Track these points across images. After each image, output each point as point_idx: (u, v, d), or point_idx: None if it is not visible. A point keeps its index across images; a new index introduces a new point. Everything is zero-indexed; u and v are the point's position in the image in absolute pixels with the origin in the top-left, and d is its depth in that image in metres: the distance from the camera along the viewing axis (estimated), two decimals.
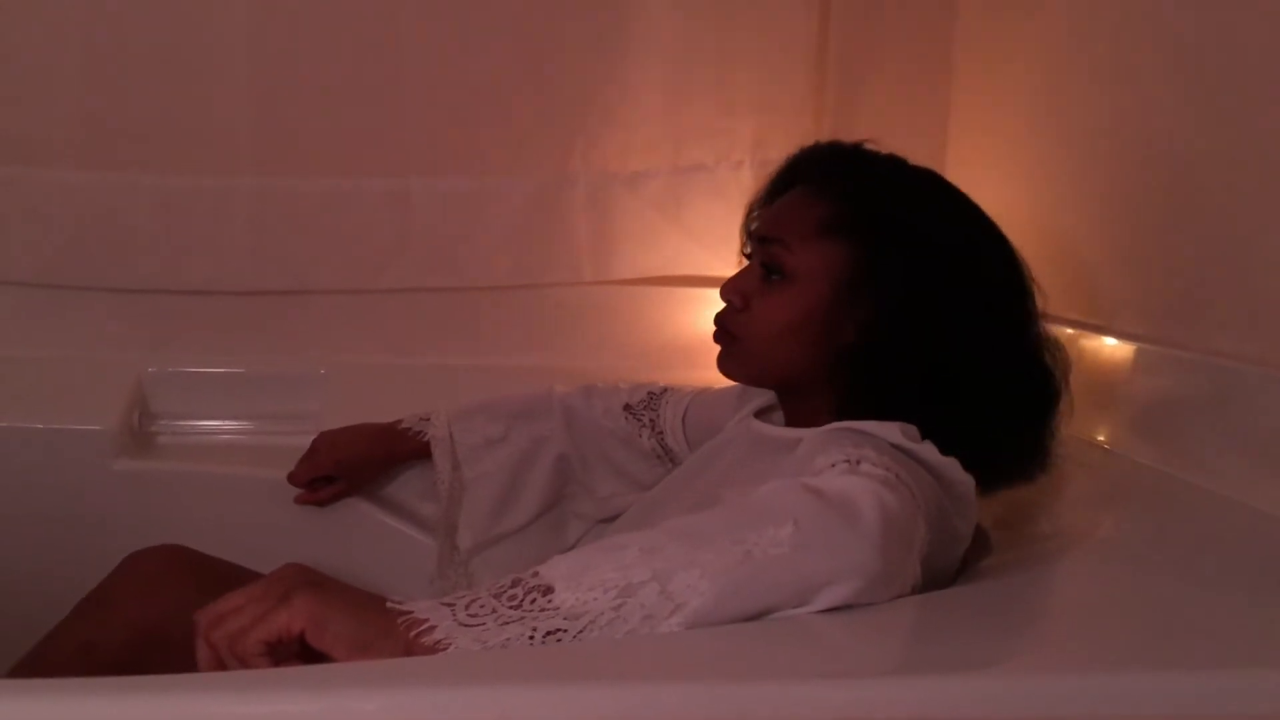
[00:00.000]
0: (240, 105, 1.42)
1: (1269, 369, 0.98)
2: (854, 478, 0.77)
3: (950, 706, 0.64)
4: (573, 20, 1.48)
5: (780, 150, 1.08)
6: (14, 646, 1.03)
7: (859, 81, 1.56)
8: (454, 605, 0.69)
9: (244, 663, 0.68)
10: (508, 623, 0.67)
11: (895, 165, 1.00)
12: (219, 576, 1.04)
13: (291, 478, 1.26)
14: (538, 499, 1.25)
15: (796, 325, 0.95)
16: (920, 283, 0.92)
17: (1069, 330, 1.19)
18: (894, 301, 0.92)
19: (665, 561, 0.70)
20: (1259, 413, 0.98)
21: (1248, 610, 0.78)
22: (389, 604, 0.69)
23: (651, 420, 1.21)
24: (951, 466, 0.87)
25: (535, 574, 0.70)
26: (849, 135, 1.05)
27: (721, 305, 1.01)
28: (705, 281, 1.51)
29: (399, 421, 1.26)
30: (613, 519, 1.19)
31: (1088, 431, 1.15)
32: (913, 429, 0.88)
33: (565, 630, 0.67)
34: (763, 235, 0.99)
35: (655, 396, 1.23)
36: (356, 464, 1.27)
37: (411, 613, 0.68)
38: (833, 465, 0.81)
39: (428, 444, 1.25)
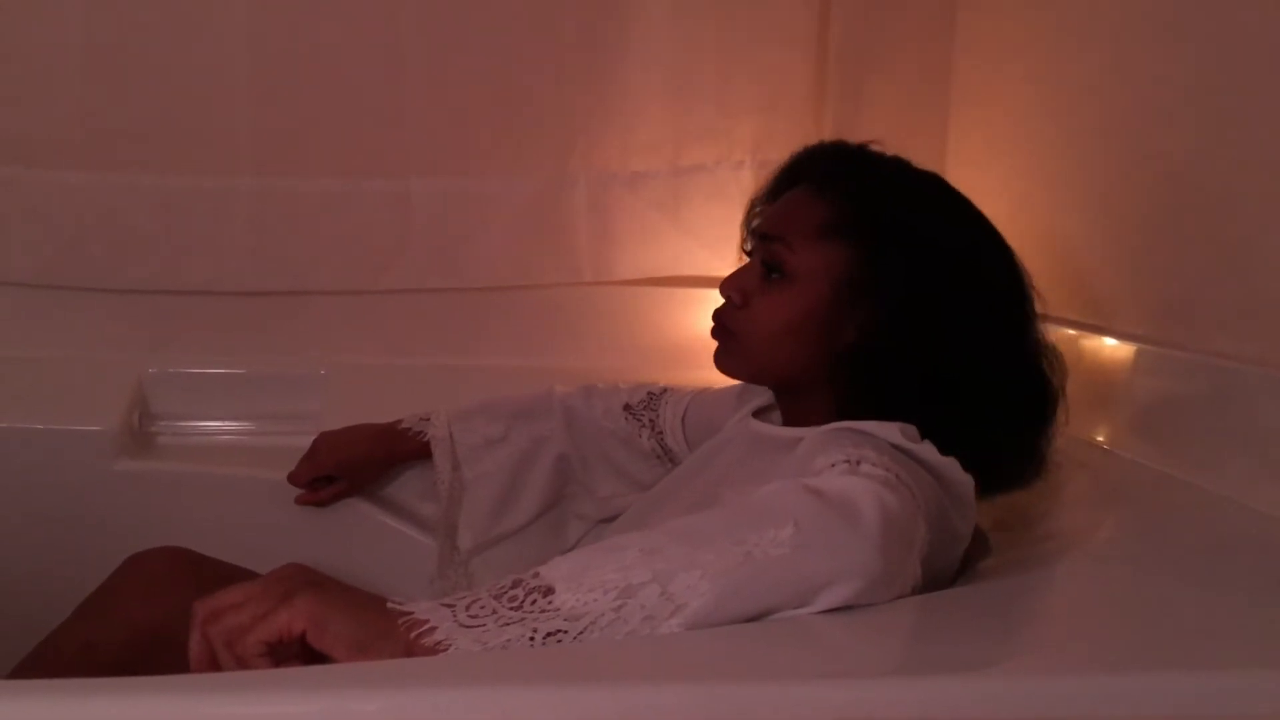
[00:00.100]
0: (240, 105, 1.42)
1: (1269, 369, 0.98)
2: (854, 478, 0.77)
3: (950, 707, 0.64)
4: (573, 21, 1.48)
5: (780, 150, 1.08)
6: (15, 647, 1.03)
7: (859, 82, 1.56)
8: (454, 606, 0.69)
9: (241, 661, 0.68)
10: (508, 624, 0.67)
11: (899, 167, 1.00)
12: (220, 577, 1.04)
13: (292, 478, 1.26)
14: (538, 499, 1.25)
15: (795, 325, 0.96)
16: (921, 285, 0.92)
17: (1069, 331, 1.19)
18: (894, 304, 0.92)
19: (666, 562, 0.70)
20: (1259, 413, 0.98)
21: (1248, 610, 0.78)
22: (389, 605, 0.69)
23: (651, 420, 1.21)
24: (951, 466, 0.87)
25: (536, 575, 0.70)
26: (849, 136, 1.05)
27: (721, 302, 1.01)
28: (705, 282, 1.51)
29: (399, 422, 1.27)
30: (613, 519, 1.19)
31: (1087, 431, 1.15)
32: (912, 429, 0.88)
33: (566, 631, 0.67)
34: (764, 233, 0.99)
35: (655, 397, 1.23)
36: (357, 464, 1.27)
37: (412, 614, 0.68)
38: (833, 465, 0.81)
39: (428, 444, 1.25)
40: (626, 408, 1.22)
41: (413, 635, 0.67)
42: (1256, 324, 1.01)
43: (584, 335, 1.54)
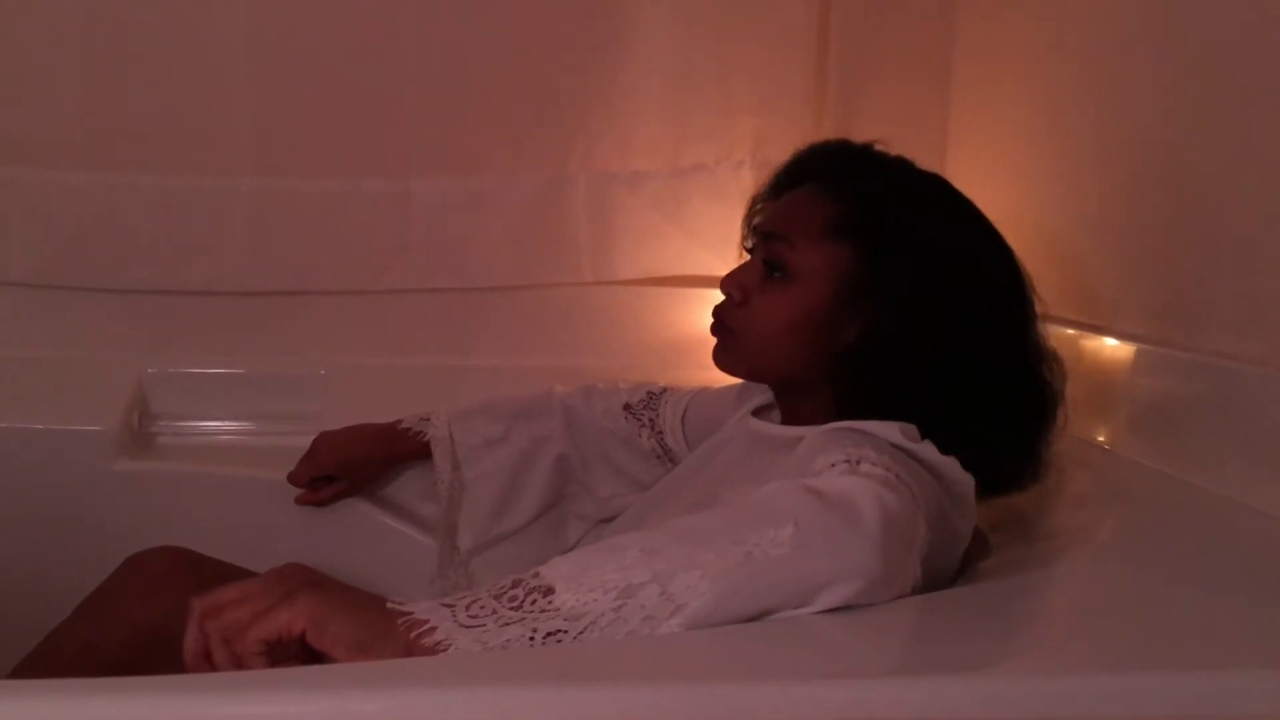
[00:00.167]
0: (240, 105, 1.42)
1: (1269, 369, 0.98)
2: (854, 478, 0.77)
3: (950, 707, 0.64)
4: (573, 21, 1.48)
5: (780, 150, 1.08)
6: (15, 647, 1.03)
7: (859, 82, 1.56)
8: (454, 606, 0.69)
9: (238, 659, 0.68)
10: (508, 624, 0.67)
11: (903, 168, 1.00)
12: (220, 578, 1.03)
13: (292, 478, 1.26)
14: (538, 499, 1.25)
15: (795, 324, 0.95)
16: (923, 287, 0.92)
17: (1069, 330, 1.19)
18: (896, 305, 0.92)
19: (666, 562, 0.70)
20: (1259, 413, 0.98)
21: (1248, 610, 0.78)
22: (389, 605, 0.69)
23: (651, 420, 1.21)
24: (951, 466, 0.87)
25: (536, 575, 0.70)
26: (848, 136, 1.05)
27: (722, 299, 1.01)
28: (705, 281, 1.51)
29: (399, 422, 1.27)
30: (613, 519, 1.19)
31: (1088, 432, 1.15)
32: (912, 429, 0.88)
33: (566, 631, 0.67)
34: (767, 231, 0.99)
35: (655, 396, 1.23)
36: (357, 464, 1.27)
37: (412, 614, 0.68)
38: (833, 465, 0.81)
39: (428, 444, 1.25)
40: (626, 407, 1.22)
41: (413, 635, 0.67)
42: (1257, 324, 1.01)
43: (584, 335, 1.54)
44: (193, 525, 1.21)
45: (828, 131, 1.49)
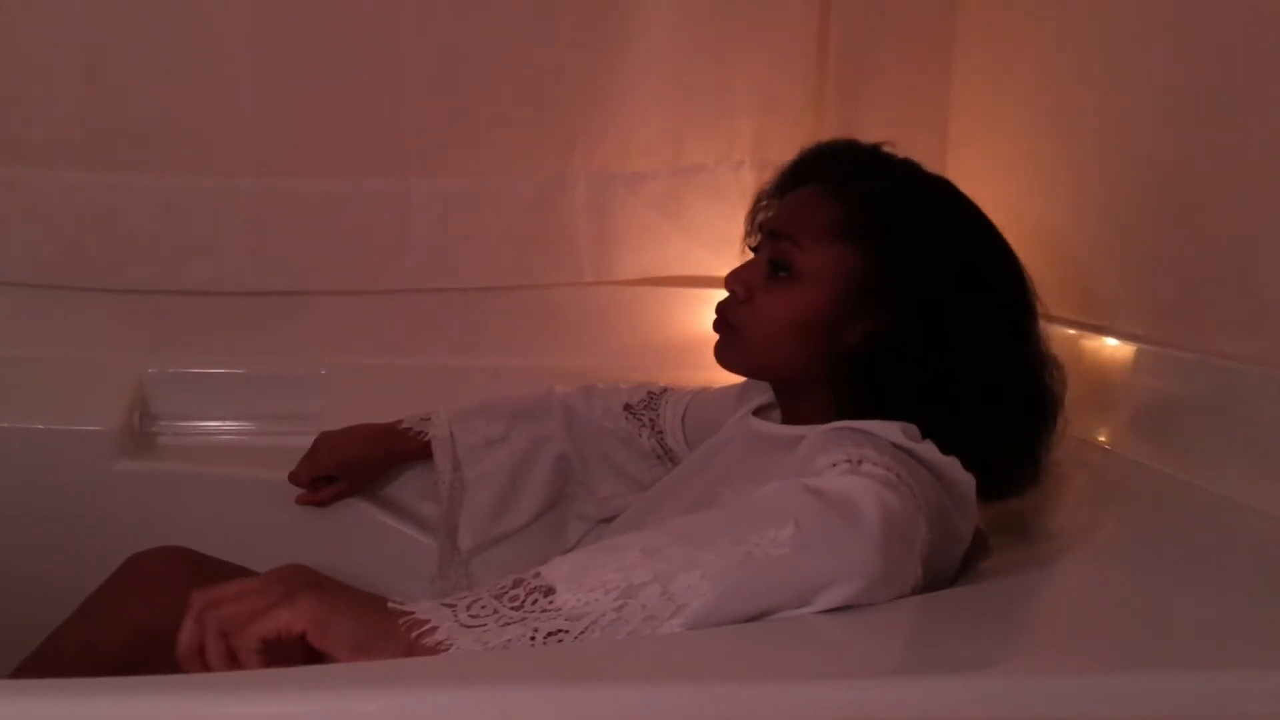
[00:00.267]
0: (240, 105, 1.42)
1: (1269, 369, 0.98)
2: (855, 478, 0.77)
3: (951, 707, 0.64)
4: (573, 20, 1.48)
5: (780, 150, 1.08)
6: (15, 647, 1.03)
7: (859, 81, 1.56)
8: (455, 606, 0.69)
9: (234, 654, 0.68)
10: (509, 624, 0.67)
11: (910, 171, 1.00)
12: (220, 578, 1.02)
13: (293, 477, 1.26)
14: (538, 499, 1.25)
15: (798, 324, 0.95)
16: (928, 290, 0.92)
17: (1069, 330, 1.20)
18: (901, 307, 0.92)
19: (666, 562, 0.70)
20: (1259, 413, 0.98)
21: (1248, 610, 0.78)
22: (390, 605, 0.69)
23: (651, 420, 1.21)
24: (952, 466, 0.87)
25: (537, 575, 0.70)
26: (849, 135, 1.05)
27: (725, 295, 1.01)
28: (706, 282, 1.51)
29: (399, 422, 1.27)
30: (613, 519, 1.19)
31: (1088, 431, 1.15)
32: (913, 429, 0.88)
33: (567, 631, 0.67)
34: (773, 229, 0.99)
35: (655, 396, 1.23)
36: (358, 464, 1.27)
37: (413, 614, 0.68)
38: (834, 465, 0.81)
39: (428, 444, 1.25)
40: (627, 407, 1.22)
41: (414, 635, 0.67)
42: (1257, 324, 1.01)
43: (584, 335, 1.54)
44: (193, 525, 1.22)
45: (828, 132, 1.50)
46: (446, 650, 0.66)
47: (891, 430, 0.87)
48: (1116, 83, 1.22)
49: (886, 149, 1.01)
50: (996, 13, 1.47)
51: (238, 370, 1.45)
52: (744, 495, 0.80)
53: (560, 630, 0.67)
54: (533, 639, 0.67)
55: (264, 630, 0.67)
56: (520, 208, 1.51)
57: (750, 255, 1.04)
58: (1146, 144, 1.17)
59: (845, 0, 1.54)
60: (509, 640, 0.67)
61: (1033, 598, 0.85)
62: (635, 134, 1.52)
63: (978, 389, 0.92)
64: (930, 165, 1.02)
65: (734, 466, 1.00)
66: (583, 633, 0.67)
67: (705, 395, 1.19)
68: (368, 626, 0.68)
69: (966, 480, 0.88)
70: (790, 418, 1.01)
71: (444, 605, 0.69)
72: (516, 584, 0.70)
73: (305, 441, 1.27)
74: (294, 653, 0.68)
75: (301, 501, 1.27)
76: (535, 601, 0.68)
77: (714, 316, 1.01)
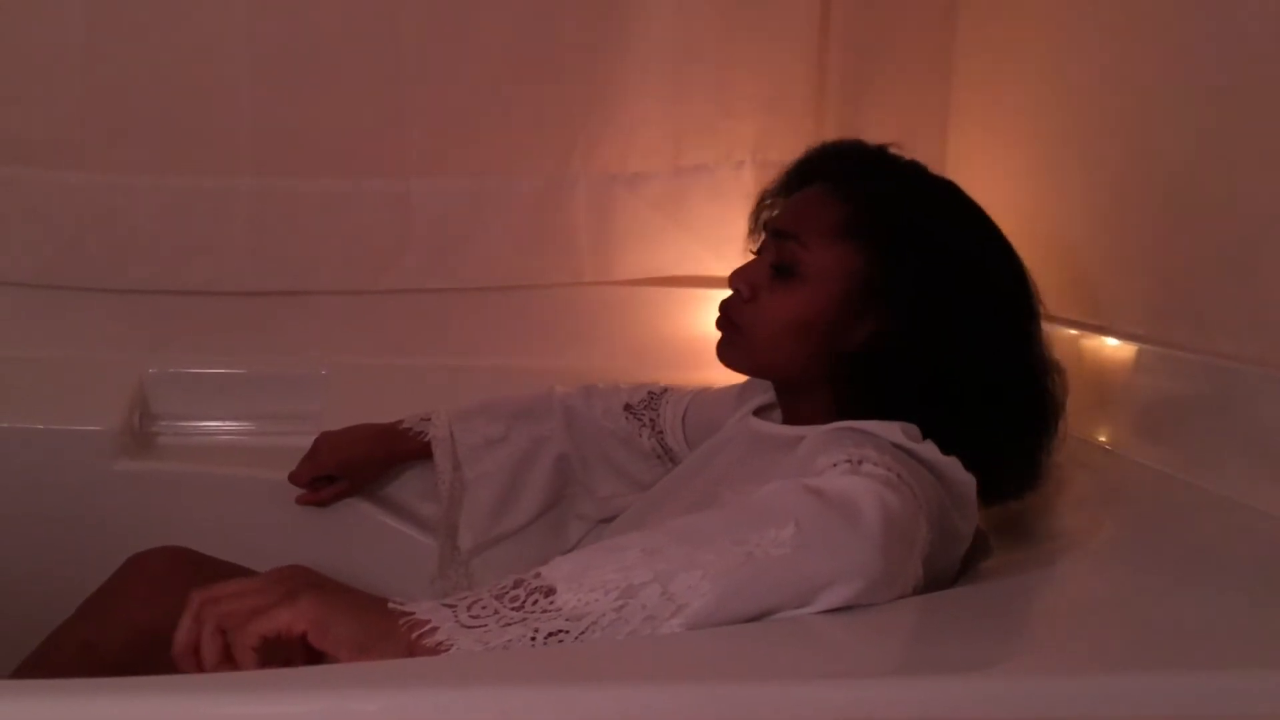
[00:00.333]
0: (240, 105, 1.42)
1: (1269, 369, 0.98)
2: (855, 478, 0.77)
3: (951, 707, 0.64)
4: (573, 20, 1.48)
5: (780, 150, 1.09)
6: (16, 647, 1.03)
7: (860, 81, 1.56)
8: (455, 606, 0.69)
9: (232, 653, 0.68)
10: (509, 624, 0.67)
11: (916, 172, 1.00)
12: (221, 577, 1.03)
13: (293, 477, 1.26)
14: (538, 499, 1.25)
15: (802, 324, 0.95)
16: (933, 292, 0.92)
17: (1070, 330, 1.20)
18: (905, 309, 0.92)
19: (667, 562, 0.70)
20: (1259, 413, 0.98)
21: (1248, 610, 0.78)
22: (390, 605, 0.69)
23: (651, 420, 1.21)
24: (953, 466, 0.87)
25: (537, 575, 0.70)
26: (850, 135, 1.05)
27: (729, 293, 1.01)
28: (705, 281, 1.51)
29: (400, 422, 1.27)
30: (613, 519, 1.19)
31: (1089, 432, 1.15)
32: (914, 429, 0.88)
33: (567, 631, 0.67)
34: (779, 229, 0.99)
35: (655, 396, 1.23)
36: (358, 464, 1.27)
37: (413, 614, 0.68)
38: (834, 465, 0.81)
39: (428, 444, 1.25)
40: (627, 407, 1.22)
41: (414, 636, 0.67)
42: (1257, 324, 1.01)
43: (584, 335, 1.54)
44: (193, 525, 1.21)
45: (829, 132, 1.50)
46: (447, 651, 0.66)
47: (892, 430, 0.87)
48: (1117, 83, 1.22)
49: (893, 150, 1.01)
50: (996, 13, 1.47)
51: (238, 370, 1.45)
52: (744, 495, 0.80)
53: (561, 630, 0.67)
54: (533, 639, 0.67)
55: (264, 628, 0.67)
56: (520, 208, 1.51)
57: (753, 254, 1.04)
58: (1147, 144, 1.17)
59: (846, 1, 1.54)
60: (509, 640, 0.67)
61: (1033, 598, 0.85)
62: (635, 134, 1.52)
63: (979, 390, 0.92)
64: (930, 166, 1.02)
65: (734, 466, 1.00)
66: (583, 633, 0.67)
67: (705, 395, 1.19)
68: (368, 627, 0.68)
69: (967, 480, 0.88)
70: (791, 418, 1.01)
71: (444, 606, 0.69)
72: (517, 584, 0.70)
73: (305, 441, 1.27)
74: (291, 654, 0.68)
75: (301, 501, 1.27)
76: (536, 602, 0.68)
77: (716, 316, 1.01)
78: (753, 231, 1.07)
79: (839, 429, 0.89)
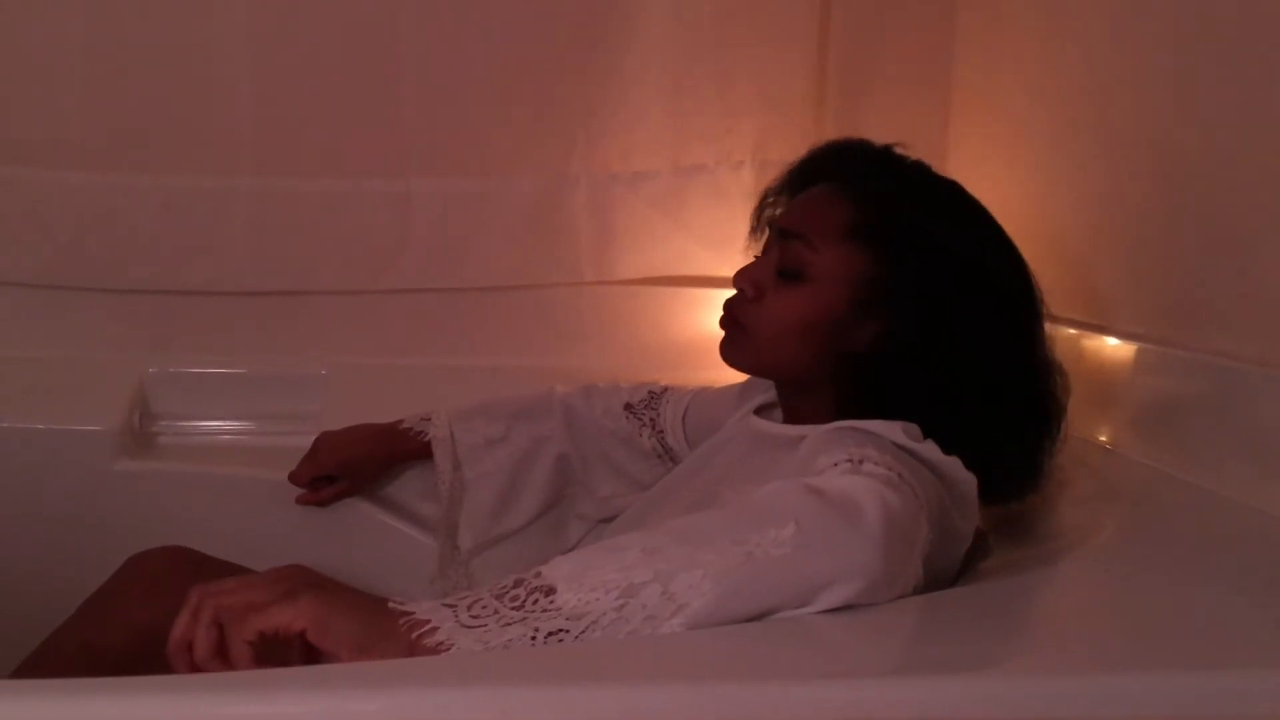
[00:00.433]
0: (240, 105, 1.42)
1: (1269, 369, 0.98)
2: (856, 477, 0.77)
3: (951, 707, 0.64)
4: (573, 21, 1.48)
5: (781, 150, 1.09)
6: (16, 647, 1.03)
7: (860, 81, 1.56)
8: (456, 606, 0.69)
9: (227, 647, 0.67)
10: (510, 624, 0.67)
11: (921, 173, 1.00)
12: (221, 577, 1.04)
13: (293, 477, 1.26)
14: (538, 499, 1.25)
15: (808, 324, 0.95)
16: (939, 294, 0.92)
17: (1070, 330, 1.19)
18: (911, 310, 0.92)
19: (667, 562, 0.70)
20: (1259, 413, 0.98)
21: (1248, 610, 0.78)
22: (390, 605, 0.69)
23: (652, 419, 1.21)
24: (954, 465, 0.87)
25: (538, 574, 0.70)
26: (850, 135, 1.05)
27: (731, 294, 1.00)
28: (706, 281, 1.51)
29: (400, 422, 1.27)
30: (613, 519, 1.19)
31: (1089, 431, 1.15)
32: (914, 428, 0.88)
33: (567, 631, 0.67)
34: (785, 229, 0.98)
35: (656, 396, 1.23)
36: (358, 464, 1.27)
37: (413, 614, 0.68)
38: (835, 465, 0.81)
39: (429, 444, 1.25)
40: (627, 407, 1.22)
41: (414, 635, 0.67)
42: (1258, 323, 1.01)
43: (584, 335, 1.54)
44: (193, 525, 1.22)
45: (829, 132, 1.49)
46: (447, 650, 0.66)
47: (893, 430, 0.86)
48: (1116, 82, 1.22)
49: (898, 150, 1.01)
50: (997, 13, 1.47)
51: (238, 370, 1.45)
52: (745, 495, 0.80)
53: (561, 630, 0.67)
54: (533, 639, 0.67)
55: (262, 624, 0.67)
56: (520, 208, 1.51)
57: (754, 252, 1.04)
58: (1147, 143, 1.17)
59: (846, 1, 1.54)
60: (510, 640, 0.67)
61: (1033, 598, 0.85)
62: (635, 134, 1.52)
63: (982, 391, 0.92)
64: (931, 166, 1.02)
65: (735, 466, 1.00)
66: (583, 632, 0.67)
67: (706, 395, 1.19)
68: (369, 627, 0.68)
69: (968, 480, 0.88)
70: (792, 417, 1.01)
71: (445, 605, 0.69)
72: (517, 584, 0.70)
73: (305, 441, 1.27)
74: (288, 654, 0.68)
75: (301, 501, 1.27)
76: (536, 601, 0.68)
77: (716, 316, 1.01)
78: (755, 230, 1.07)
79: (840, 428, 0.89)
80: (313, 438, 1.26)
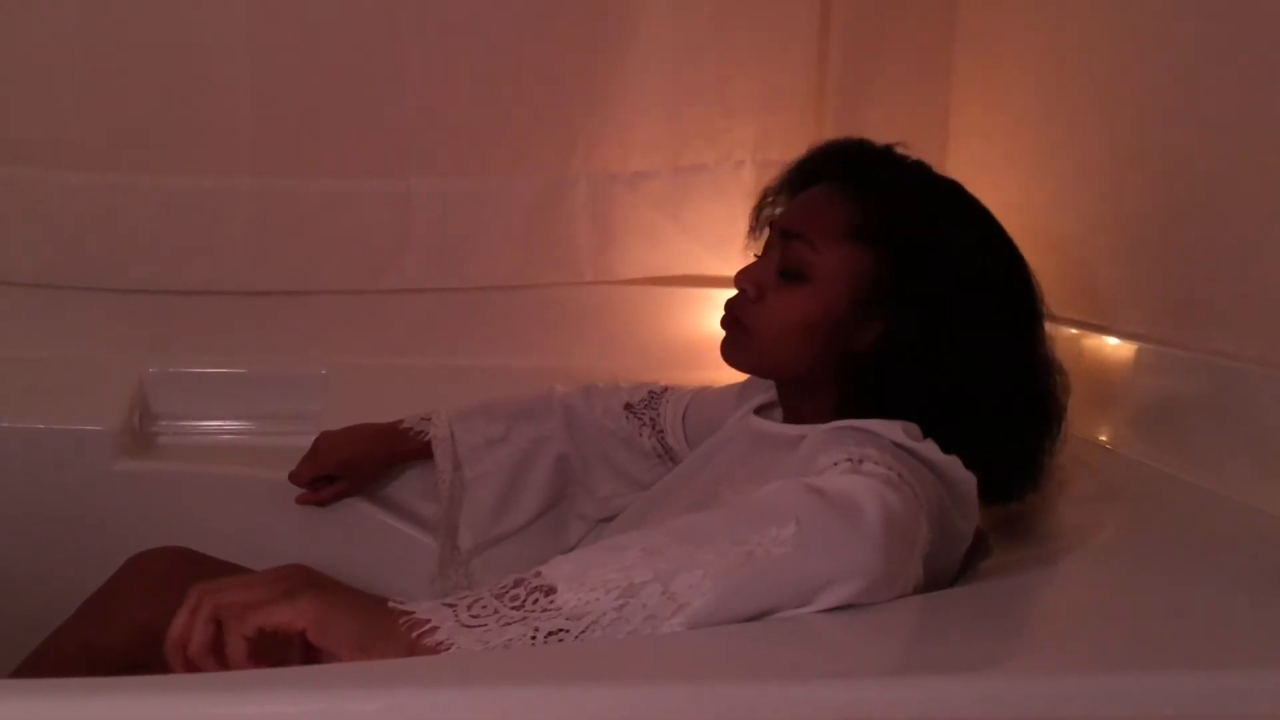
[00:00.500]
0: (240, 105, 1.42)
1: (1269, 369, 0.98)
2: (856, 477, 0.77)
3: (951, 707, 0.64)
4: (573, 20, 1.48)
5: (780, 150, 1.08)
6: (16, 647, 1.03)
7: (860, 81, 1.56)
8: (456, 606, 0.69)
9: (226, 640, 0.67)
10: (510, 623, 0.67)
11: (922, 173, 1.00)
12: (221, 577, 1.04)
13: (293, 477, 1.26)
14: (538, 499, 1.25)
15: (809, 324, 0.95)
16: (940, 297, 0.92)
17: (1071, 330, 1.19)
18: (911, 310, 0.92)
19: (667, 562, 0.70)
20: (1259, 413, 0.98)
21: (1249, 610, 0.78)
22: (391, 605, 0.69)
23: (652, 419, 1.21)
24: (953, 465, 0.87)
25: (538, 574, 0.70)
26: (850, 135, 1.05)
27: (732, 294, 1.00)
28: (705, 281, 1.51)
29: (400, 421, 1.27)
30: (613, 519, 1.19)
31: (1089, 431, 1.15)
32: (914, 428, 0.88)
33: (567, 631, 0.67)
34: (786, 229, 0.98)
35: (656, 396, 1.23)
36: (358, 463, 1.27)
37: (413, 614, 0.68)
38: (835, 464, 0.81)
39: (429, 444, 1.25)
40: (627, 407, 1.22)
41: (414, 635, 0.67)
42: (1258, 323, 1.01)
43: (584, 335, 1.54)
44: (193, 525, 1.22)
45: (829, 132, 1.49)
46: (447, 650, 0.66)
47: (893, 429, 0.86)
48: (1117, 82, 1.22)
49: (899, 150, 1.01)
50: (996, 13, 1.47)
51: (238, 370, 1.45)
52: (745, 494, 0.80)
53: (561, 630, 0.67)
54: (534, 639, 0.67)
55: (261, 621, 0.67)
56: (520, 208, 1.51)
57: (754, 252, 1.04)
58: (1147, 143, 1.17)
59: (846, 0, 1.54)
60: (510, 640, 0.67)
61: (1033, 598, 0.85)
62: (635, 134, 1.52)
63: (982, 391, 0.92)
64: (930, 165, 1.02)
65: (735, 466, 1.00)
66: (584, 632, 0.67)
67: (706, 394, 1.19)
68: (369, 626, 0.68)
69: (968, 479, 0.88)
70: (792, 417, 1.01)
71: (445, 605, 0.69)
72: (517, 583, 0.70)
73: (305, 441, 1.27)
74: (287, 654, 0.68)
75: (302, 501, 1.27)
76: (536, 601, 0.68)
77: (716, 316, 1.01)
78: (754, 229, 1.07)
79: (840, 428, 0.89)
80: (313, 438, 1.26)
